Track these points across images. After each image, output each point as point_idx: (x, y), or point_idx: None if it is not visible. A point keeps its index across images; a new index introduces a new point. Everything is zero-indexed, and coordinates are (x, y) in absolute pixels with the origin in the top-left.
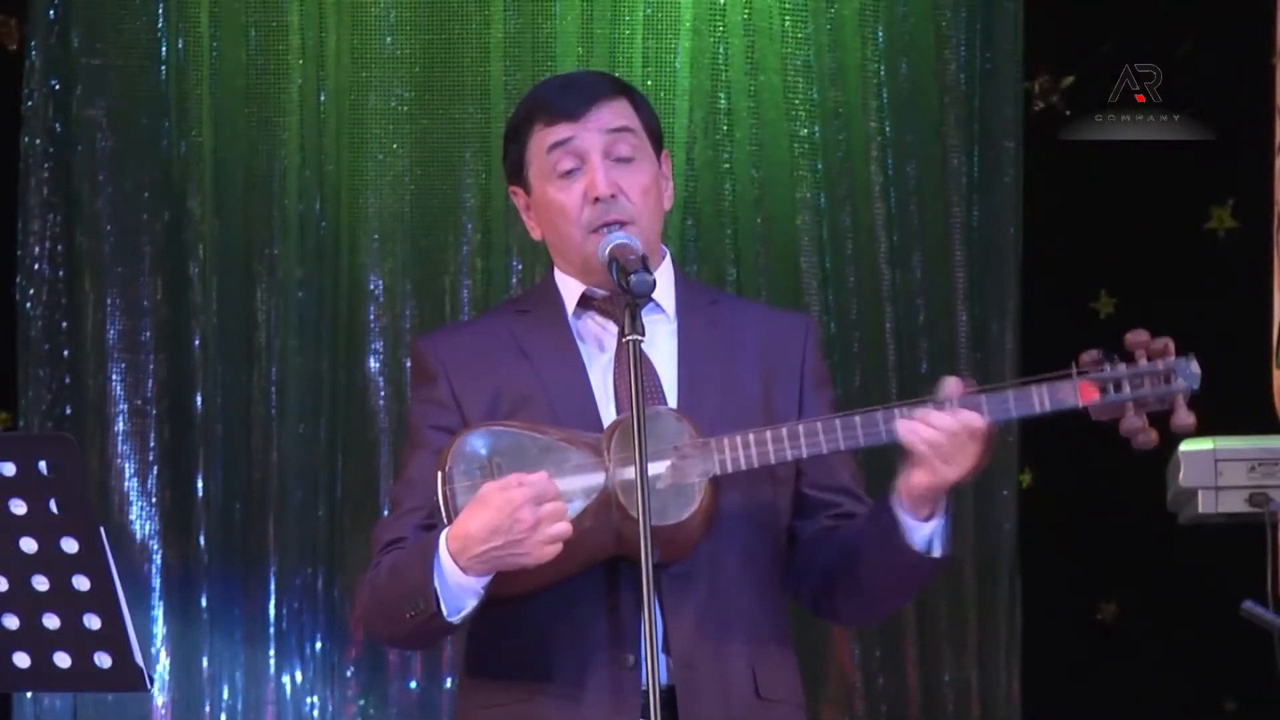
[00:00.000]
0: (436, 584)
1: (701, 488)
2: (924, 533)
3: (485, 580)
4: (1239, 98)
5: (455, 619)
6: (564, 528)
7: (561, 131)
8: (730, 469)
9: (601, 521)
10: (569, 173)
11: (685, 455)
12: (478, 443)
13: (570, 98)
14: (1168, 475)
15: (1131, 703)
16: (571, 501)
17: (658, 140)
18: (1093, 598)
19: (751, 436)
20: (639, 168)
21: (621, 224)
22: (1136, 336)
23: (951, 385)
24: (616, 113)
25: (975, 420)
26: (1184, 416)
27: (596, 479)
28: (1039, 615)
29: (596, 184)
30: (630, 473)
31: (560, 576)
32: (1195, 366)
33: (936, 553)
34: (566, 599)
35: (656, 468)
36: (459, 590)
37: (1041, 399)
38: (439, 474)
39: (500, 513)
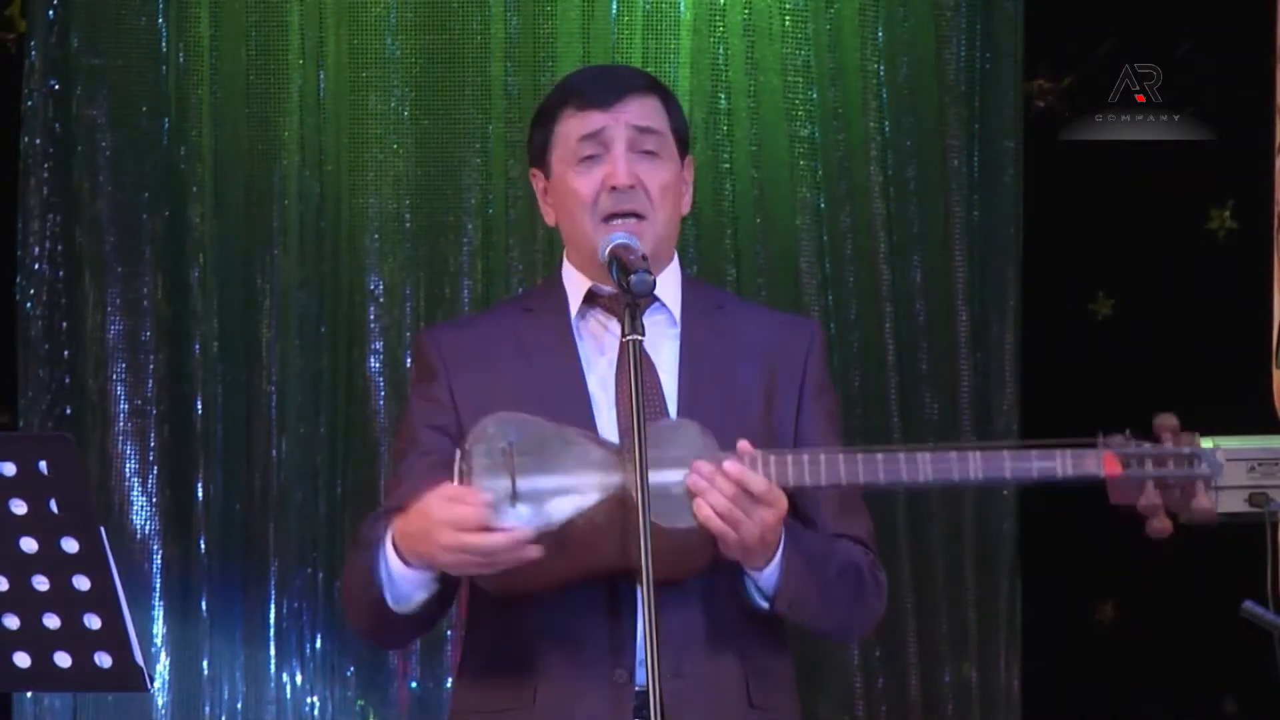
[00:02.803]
0: (381, 572)
1: None
2: (761, 581)
3: (429, 574)
4: (1239, 98)
5: (401, 609)
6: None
7: (590, 118)
8: None
9: (612, 521)
10: (591, 159)
11: None
12: (502, 428)
13: (604, 87)
14: None
15: (1131, 703)
16: (588, 494)
17: (683, 143)
18: (1092, 598)
19: (773, 456)
20: (661, 164)
21: (637, 216)
22: (1165, 420)
23: (741, 446)
24: (646, 108)
25: (756, 484)
26: (1203, 500)
27: (615, 477)
28: (1039, 615)
29: (617, 173)
30: (650, 476)
31: (567, 577)
32: (1220, 456)
33: (765, 603)
34: (562, 609)
35: (674, 474)
36: (401, 579)
37: (1065, 465)
38: (458, 451)
39: (423, 518)
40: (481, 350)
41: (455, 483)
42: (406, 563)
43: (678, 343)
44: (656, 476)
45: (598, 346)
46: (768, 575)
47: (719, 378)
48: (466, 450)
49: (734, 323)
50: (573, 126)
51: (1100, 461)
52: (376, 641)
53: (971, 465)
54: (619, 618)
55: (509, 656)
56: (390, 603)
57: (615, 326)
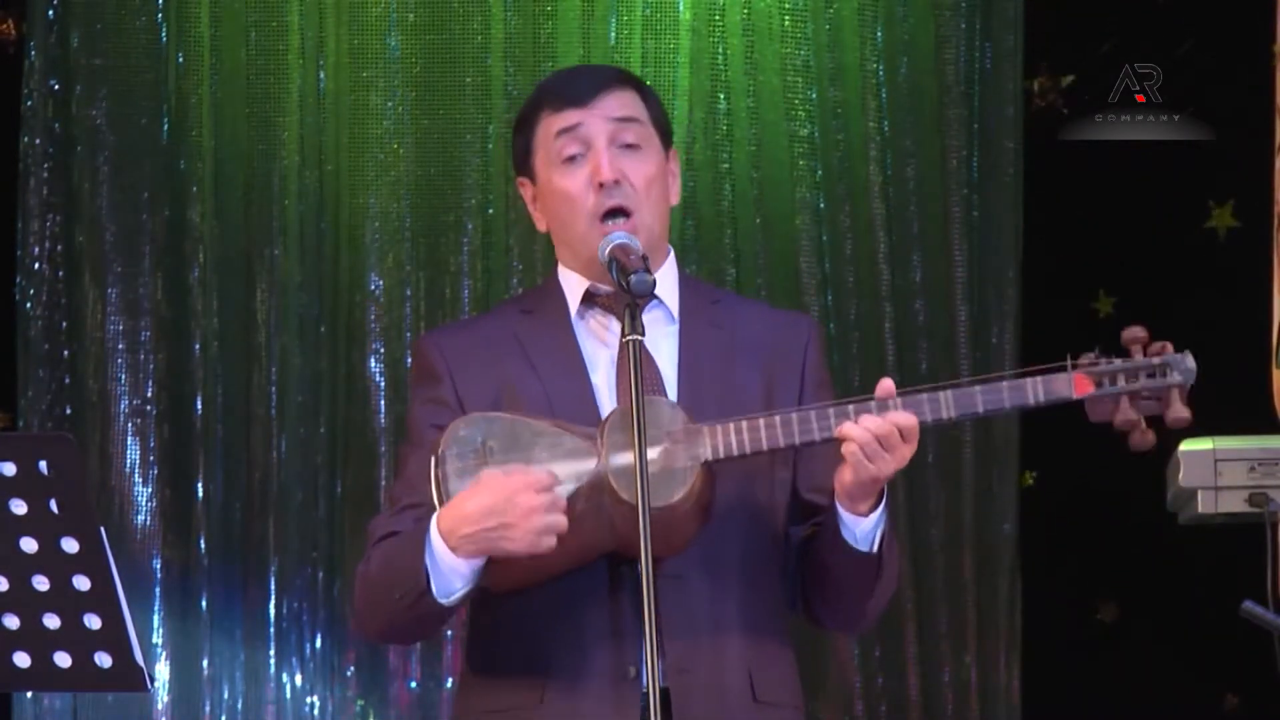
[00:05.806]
0: (427, 562)
1: (693, 472)
2: (864, 528)
3: (476, 564)
4: (1239, 98)
5: (445, 601)
6: (560, 521)
7: (569, 117)
8: (722, 454)
9: (593, 506)
10: (574, 158)
11: (677, 440)
12: (472, 428)
13: (578, 85)
14: (1168, 475)
15: (1131, 702)
16: (563, 484)
17: (665, 135)
18: (1093, 597)
19: (744, 423)
20: (644, 157)
21: (625, 212)
22: (1133, 333)
23: (884, 386)
24: (624, 102)
25: (905, 420)
26: (1179, 410)
27: (589, 464)
28: (1039, 615)
29: (601, 168)
30: (622, 459)
31: (555, 568)
32: (1191, 362)
33: (874, 549)
34: (567, 603)
35: (648, 453)
36: (449, 571)
37: (1036, 391)
38: (432, 457)
39: (497, 494)
40: (484, 351)
41: (433, 489)
42: (452, 550)
43: (676, 339)
44: (631, 457)
45: (599, 345)
46: (876, 518)
47: (718, 372)
48: (440, 455)
49: (732, 318)
50: (552, 126)
51: (1071, 383)
52: (393, 640)
53: (944, 404)
54: (625, 614)
55: (515, 655)
56: (436, 596)
57: (615, 325)
